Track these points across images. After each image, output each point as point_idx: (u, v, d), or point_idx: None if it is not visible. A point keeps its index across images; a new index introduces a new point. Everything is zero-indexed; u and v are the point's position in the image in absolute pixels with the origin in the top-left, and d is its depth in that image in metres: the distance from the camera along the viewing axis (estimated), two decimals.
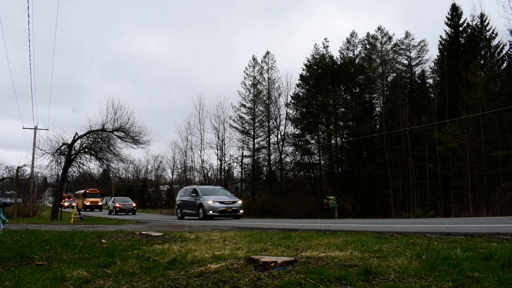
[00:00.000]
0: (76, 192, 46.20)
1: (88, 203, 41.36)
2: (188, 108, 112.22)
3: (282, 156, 41.61)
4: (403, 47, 38.92)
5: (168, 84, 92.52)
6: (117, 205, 30.70)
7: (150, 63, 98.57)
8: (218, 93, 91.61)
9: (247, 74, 43.12)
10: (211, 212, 16.36)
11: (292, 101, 41.54)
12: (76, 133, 18.70)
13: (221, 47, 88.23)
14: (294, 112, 41.95)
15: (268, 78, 42.60)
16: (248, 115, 42.71)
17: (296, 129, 41.67)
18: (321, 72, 39.37)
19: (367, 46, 41.36)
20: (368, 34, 41.15)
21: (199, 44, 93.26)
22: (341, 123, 40.02)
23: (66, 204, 44.56)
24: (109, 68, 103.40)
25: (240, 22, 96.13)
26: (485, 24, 31.83)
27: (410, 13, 70.00)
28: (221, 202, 16.78)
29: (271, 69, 42.71)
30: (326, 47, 41.42)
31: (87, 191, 42.53)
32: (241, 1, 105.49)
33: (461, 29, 33.16)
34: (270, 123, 42.14)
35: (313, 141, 41.65)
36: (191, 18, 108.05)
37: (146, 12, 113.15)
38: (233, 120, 42.59)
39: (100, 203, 42.94)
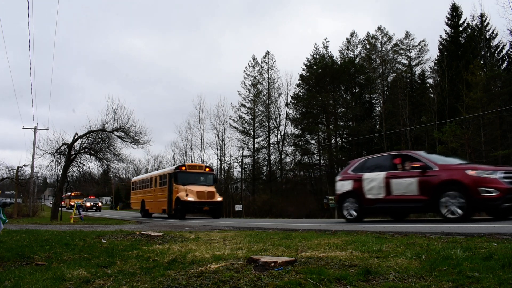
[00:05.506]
0: (135, 179, 26.69)
1: (191, 198, 17.63)
2: (188, 108, 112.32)
3: (282, 156, 41.67)
4: (403, 47, 39.00)
5: (168, 84, 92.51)
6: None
7: (147, 64, 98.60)
8: (217, 93, 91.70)
9: (247, 74, 43.19)
10: None
11: (292, 101, 41.59)
12: (76, 133, 18.71)
13: (211, 47, 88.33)
14: (294, 112, 42.02)
15: (268, 78, 42.66)
16: (248, 115, 42.75)
17: (296, 129, 41.75)
18: (321, 72, 39.41)
19: (367, 46, 41.43)
20: (368, 34, 41.30)
21: (186, 44, 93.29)
22: (341, 123, 40.04)
23: (88, 204, 37.71)
24: (99, 68, 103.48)
25: (228, 21, 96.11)
26: (485, 24, 31.87)
27: (410, 13, 70.12)
28: None
29: (271, 69, 42.76)
30: (326, 47, 41.51)
31: (184, 168, 19.26)
32: (227, 1, 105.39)
33: (461, 29, 33.20)
34: (270, 123, 42.19)
35: (313, 141, 41.71)
36: (176, 18, 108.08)
37: (133, 12, 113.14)
38: (233, 120, 42.67)
39: (219, 198, 18.97)
